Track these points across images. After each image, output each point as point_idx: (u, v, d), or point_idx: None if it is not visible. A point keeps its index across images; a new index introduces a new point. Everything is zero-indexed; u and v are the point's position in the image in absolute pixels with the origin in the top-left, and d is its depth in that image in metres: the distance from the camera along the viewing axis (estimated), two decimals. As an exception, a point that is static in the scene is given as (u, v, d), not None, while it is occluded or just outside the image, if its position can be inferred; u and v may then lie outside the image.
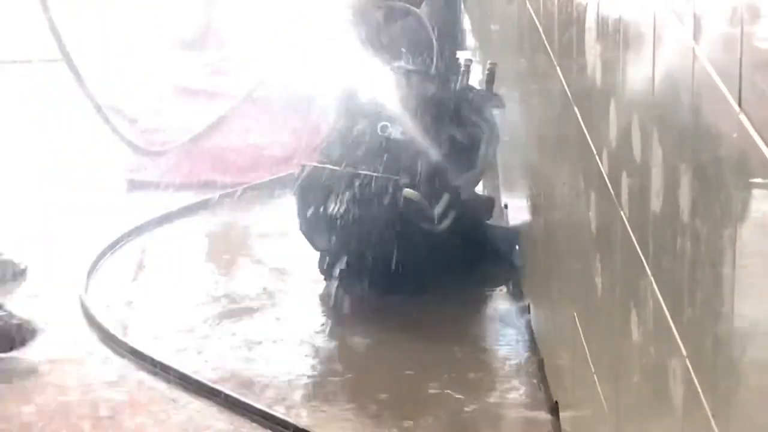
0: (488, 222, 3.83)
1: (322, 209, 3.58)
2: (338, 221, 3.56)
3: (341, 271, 3.66)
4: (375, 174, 3.55)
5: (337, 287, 3.62)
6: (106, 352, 3.38)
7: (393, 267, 3.54)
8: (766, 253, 1.38)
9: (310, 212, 3.61)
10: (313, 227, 3.63)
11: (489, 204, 3.81)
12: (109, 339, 3.42)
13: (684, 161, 1.69)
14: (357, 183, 3.53)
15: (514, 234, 3.75)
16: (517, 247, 3.73)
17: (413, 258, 3.55)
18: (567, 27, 2.65)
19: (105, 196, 4.41)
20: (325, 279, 3.72)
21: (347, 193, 3.53)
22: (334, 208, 3.55)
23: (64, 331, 3.50)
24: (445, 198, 3.62)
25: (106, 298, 3.68)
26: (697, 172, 1.64)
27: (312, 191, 3.59)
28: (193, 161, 4.62)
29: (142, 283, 3.87)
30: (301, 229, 3.65)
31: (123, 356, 3.34)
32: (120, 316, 3.58)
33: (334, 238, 3.61)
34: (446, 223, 3.62)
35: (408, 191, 3.52)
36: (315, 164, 3.65)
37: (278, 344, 3.42)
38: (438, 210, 3.60)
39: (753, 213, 1.42)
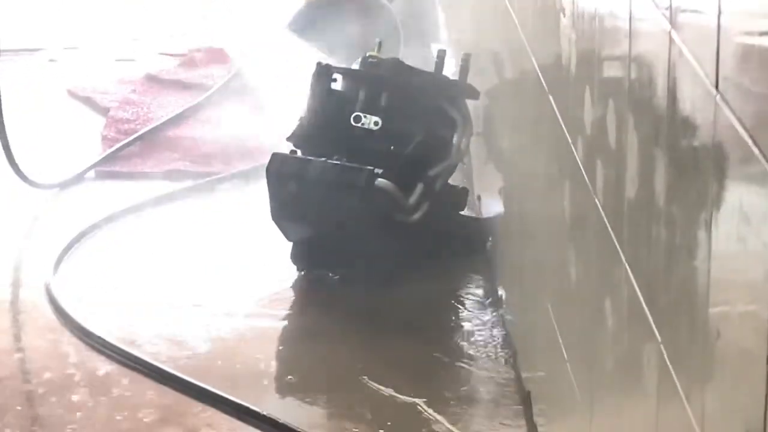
0: (461, 213, 3.82)
1: (294, 199, 3.56)
2: (310, 211, 3.55)
3: (313, 260, 3.66)
4: (348, 164, 3.54)
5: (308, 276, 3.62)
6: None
7: (365, 257, 3.53)
8: (742, 238, 1.38)
9: (281, 202, 3.59)
10: (285, 217, 3.62)
11: (462, 195, 3.80)
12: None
13: (660, 147, 1.69)
14: (330, 172, 3.52)
15: (488, 225, 3.75)
16: (490, 238, 3.72)
17: (385, 248, 3.54)
18: (541, 13, 2.65)
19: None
20: (297, 269, 3.70)
21: (320, 183, 3.51)
22: (306, 197, 3.53)
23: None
24: (419, 188, 3.61)
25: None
26: (673, 158, 1.63)
27: (283, 180, 3.57)
28: (163, 151, 4.59)
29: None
30: (272, 218, 3.63)
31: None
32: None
33: (305, 228, 3.60)
34: (419, 214, 3.61)
35: (381, 181, 3.51)
36: (287, 153, 3.64)
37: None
38: (411, 200, 3.59)
39: (729, 198, 1.41)
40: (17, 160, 4.17)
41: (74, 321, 3.43)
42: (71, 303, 3.53)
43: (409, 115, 3.65)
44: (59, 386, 3.16)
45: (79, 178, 4.39)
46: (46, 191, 4.28)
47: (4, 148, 4.14)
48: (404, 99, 3.67)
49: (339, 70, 3.77)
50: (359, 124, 3.65)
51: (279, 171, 3.58)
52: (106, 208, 4.12)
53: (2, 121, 4.12)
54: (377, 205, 3.51)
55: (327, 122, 3.69)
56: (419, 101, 3.68)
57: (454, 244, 3.75)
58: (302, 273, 3.70)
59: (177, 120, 4.84)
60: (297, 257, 3.69)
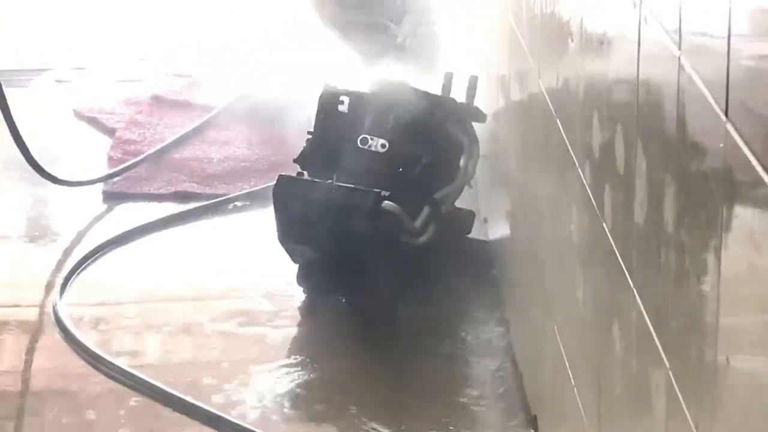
0: (468, 236, 3.81)
1: (300, 221, 3.55)
2: (317, 233, 3.54)
3: (319, 283, 3.65)
4: (355, 186, 3.54)
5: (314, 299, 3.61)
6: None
7: (371, 280, 3.53)
8: (751, 265, 1.37)
9: (288, 224, 3.58)
10: (291, 239, 3.61)
11: (469, 218, 3.79)
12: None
13: (669, 172, 1.68)
14: (336, 195, 3.51)
15: (494, 248, 3.74)
16: (496, 261, 3.72)
17: (391, 271, 3.53)
18: (549, 37, 2.64)
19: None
20: (303, 292, 3.70)
21: (326, 205, 3.51)
22: (312, 219, 3.53)
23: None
24: (425, 211, 3.60)
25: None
26: (682, 183, 1.63)
27: (290, 202, 3.56)
28: (169, 172, 4.59)
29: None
30: (279, 240, 3.63)
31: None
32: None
33: (312, 250, 3.59)
34: (426, 237, 3.60)
35: (388, 204, 3.51)
36: (293, 175, 3.64)
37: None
38: (417, 223, 3.58)
39: (739, 224, 1.41)
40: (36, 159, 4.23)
41: (81, 343, 3.43)
42: (77, 324, 3.53)
43: (416, 138, 3.65)
44: (64, 408, 3.15)
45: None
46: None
47: (23, 153, 4.19)
48: (411, 121, 3.67)
49: (346, 92, 3.77)
50: (366, 147, 3.65)
51: (286, 193, 3.58)
52: (112, 229, 4.13)
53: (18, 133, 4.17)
54: (384, 227, 3.50)
55: (334, 144, 3.69)
56: (426, 124, 3.68)
57: (461, 267, 3.74)
58: (308, 295, 3.69)
59: (183, 141, 4.83)
60: (303, 279, 3.69)
